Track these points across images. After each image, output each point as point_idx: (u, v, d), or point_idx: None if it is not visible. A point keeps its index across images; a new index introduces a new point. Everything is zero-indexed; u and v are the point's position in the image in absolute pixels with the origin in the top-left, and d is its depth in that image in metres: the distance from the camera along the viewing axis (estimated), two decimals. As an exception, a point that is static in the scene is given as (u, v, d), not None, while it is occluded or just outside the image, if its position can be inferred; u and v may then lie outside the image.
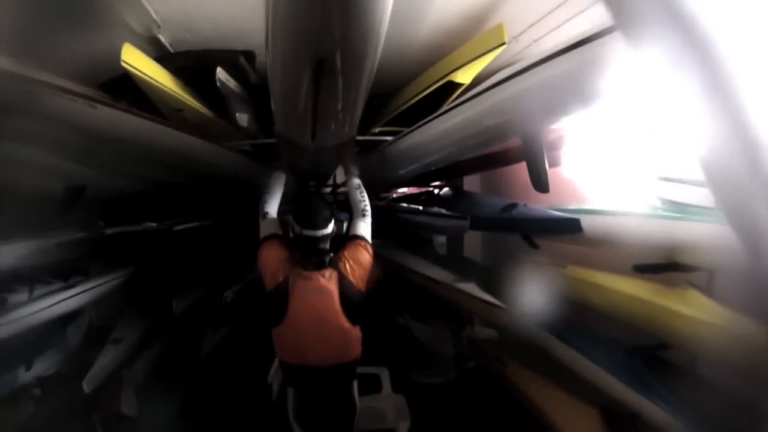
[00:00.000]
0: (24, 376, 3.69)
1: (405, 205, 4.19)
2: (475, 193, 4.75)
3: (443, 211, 3.57)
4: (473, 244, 5.85)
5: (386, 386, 3.72)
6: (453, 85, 3.37)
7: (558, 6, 2.83)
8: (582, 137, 3.26)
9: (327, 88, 1.80)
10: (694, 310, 2.34)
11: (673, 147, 2.73)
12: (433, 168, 4.02)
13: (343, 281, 2.30)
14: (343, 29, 1.42)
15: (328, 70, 1.64)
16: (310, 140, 2.45)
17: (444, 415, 3.80)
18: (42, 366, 3.86)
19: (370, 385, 3.63)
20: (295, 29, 1.47)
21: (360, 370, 2.71)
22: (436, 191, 5.01)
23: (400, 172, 3.92)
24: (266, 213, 2.65)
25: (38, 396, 3.76)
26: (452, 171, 4.69)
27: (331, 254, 2.37)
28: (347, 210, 3.61)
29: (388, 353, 4.01)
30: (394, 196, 5.40)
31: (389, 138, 3.62)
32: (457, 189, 4.94)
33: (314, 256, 2.32)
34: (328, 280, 2.27)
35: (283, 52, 1.67)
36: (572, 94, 2.05)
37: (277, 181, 2.90)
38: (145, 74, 2.77)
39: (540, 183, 2.48)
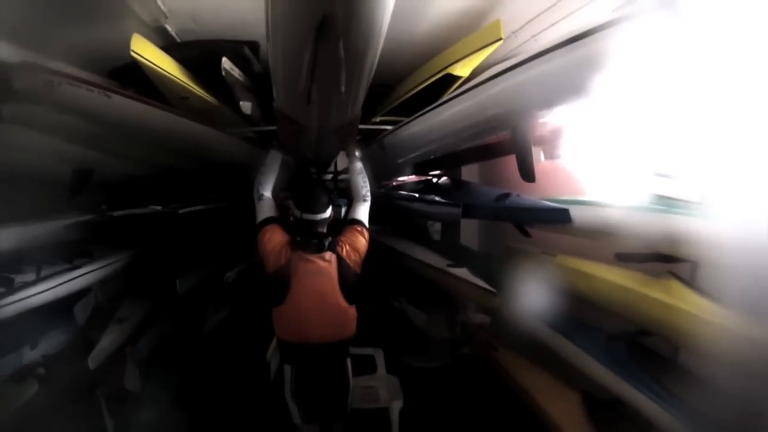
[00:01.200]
0: (29, 354, 3.79)
1: (403, 192, 4.26)
2: (471, 183, 4.80)
3: (438, 198, 3.67)
4: (470, 232, 5.97)
5: (381, 367, 3.86)
6: (451, 78, 3.44)
7: (556, 3, 2.89)
8: (581, 130, 3.33)
9: (330, 53, 1.72)
10: (671, 299, 2.45)
11: (669, 142, 2.83)
12: (432, 157, 4.10)
13: (341, 264, 2.45)
14: None
15: (332, 30, 1.55)
16: (313, 119, 2.49)
17: (436, 396, 3.94)
18: (48, 345, 3.95)
19: (366, 366, 3.76)
20: None
21: (356, 351, 2.85)
22: (434, 180, 5.09)
23: (399, 161, 3.99)
24: (262, 195, 2.75)
25: (42, 375, 3.84)
26: (450, 160, 4.80)
27: (330, 238, 2.50)
28: (346, 196, 3.71)
29: (383, 336, 4.13)
30: (394, 184, 5.47)
31: (389, 127, 3.69)
32: (454, 178, 5.03)
33: (313, 238, 2.46)
34: (328, 263, 2.42)
35: (284, 10, 1.60)
36: (565, 88, 2.14)
37: (273, 161, 2.95)
38: (152, 63, 2.84)
39: (527, 173, 2.60)
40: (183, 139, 3.05)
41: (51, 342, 4.00)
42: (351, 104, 2.41)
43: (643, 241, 2.69)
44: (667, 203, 2.66)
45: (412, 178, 5.51)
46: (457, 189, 4.45)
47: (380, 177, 5.05)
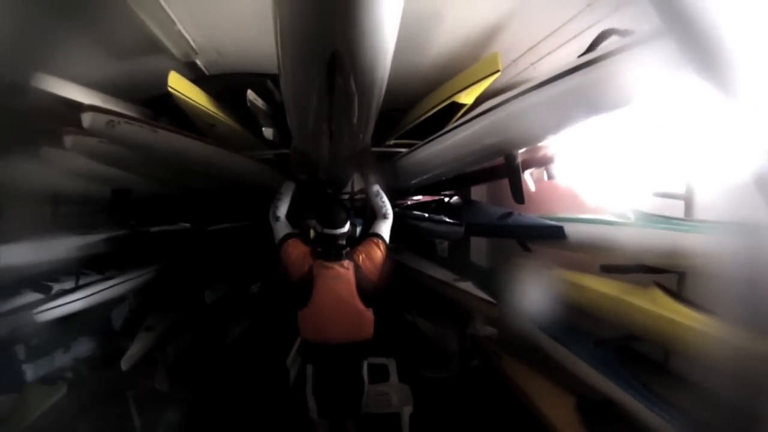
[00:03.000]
0: (61, 358, 4.11)
1: (414, 212, 4.50)
2: (479, 202, 5.10)
3: (445, 218, 3.93)
4: (479, 248, 6.20)
5: (393, 376, 4.03)
6: (457, 105, 3.71)
7: (551, 33, 3.15)
8: (580, 153, 3.56)
9: (342, 87, 1.85)
10: (652, 306, 2.66)
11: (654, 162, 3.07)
12: (443, 178, 4.36)
13: (358, 271, 2.73)
14: (355, 19, 1.45)
15: (342, 64, 1.67)
16: (324, 149, 2.81)
17: (445, 404, 4.13)
18: (79, 349, 4.30)
19: (379, 375, 3.94)
20: (307, 21, 1.50)
21: (370, 360, 3.07)
22: (445, 200, 5.37)
23: (413, 182, 4.27)
24: (278, 217, 3.11)
25: (70, 379, 4.18)
26: (461, 181, 5.06)
27: (348, 249, 2.80)
28: (362, 215, 3.97)
29: (396, 347, 4.31)
30: (408, 203, 5.72)
31: (402, 150, 3.98)
32: (464, 198, 5.30)
33: (333, 250, 2.75)
34: (346, 270, 2.71)
35: (293, 48, 1.71)
36: (558, 117, 2.40)
37: (287, 189, 3.33)
38: (186, 97, 3.22)
39: (517, 195, 2.87)
40: (214, 164, 3.37)
41: (82, 347, 4.33)
42: (362, 132, 2.68)
43: (630, 254, 2.92)
44: (650, 219, 2.89)
45: (426, 197, 5.77)
46: (465, 208, 4.72)
47: (395, 197, 5.30)
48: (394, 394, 3.81)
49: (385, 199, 3.22)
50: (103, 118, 2.59)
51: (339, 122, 2.33)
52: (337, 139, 2.64)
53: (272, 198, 3.23)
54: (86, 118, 2.58)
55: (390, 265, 3.00)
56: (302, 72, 1.88)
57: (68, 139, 2.94)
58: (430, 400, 3.98)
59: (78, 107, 2.98)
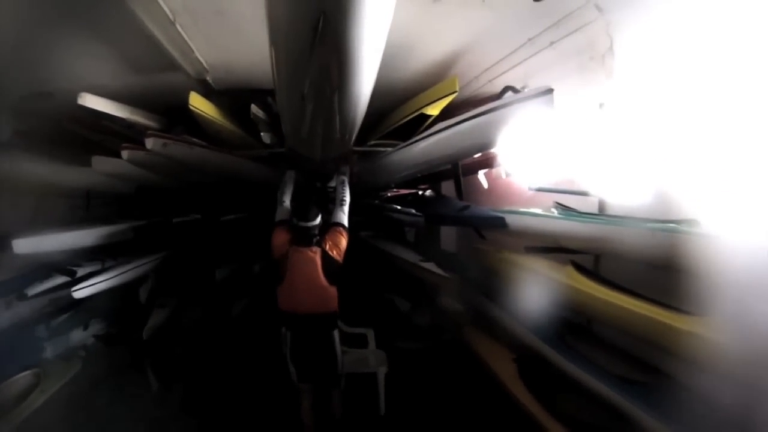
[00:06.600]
0: (80, 334, 4.80)
1: (388, 205, 5.13)
2: (446, 196, 5.71)
3: (412, 210, 4.56)
4: (450, 236, 6.78)
5: (371, 343, 4.65)
6: (425, 116, 4.36)
7: (501, 59, 3.86)
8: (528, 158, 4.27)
9: (326, 57, 1.89)
10: (566, 279, 3.35)
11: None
12: (419, 175, 5.01)
13: (324, 255, 3.24)
14: None
15: (328, 30, 1.63)
16: (317, 146, 3.45)
17: (415, 368, 4.81)
18: (99, 326, 5.00)
19: (359, 342, 4.58)
20: None
21: (352, 330, 3.64)
22: (419, 193, 6.07)
23: (392, 178, 4.96)
24: (283, 201, 3.68)
25: (83, 356, 4.78)
26: (433, 177, 5.77)
27: (317, 237, 3.30)
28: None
29: (374, 319, 4.91)
30: (389, 195, 6.32)
31: (380, 150, 4.65)
32: (436, 192, 6.01)
33: (305, 238, 3.26)
34: (314, 254, 3.22)
35: (282, 9, 1.72)
36: (484, 140, 3.28)
37: (290, 178, 3.97)
38: (203, 112, 3.92)
39: (459, 192, 3.65)
40: (228, 168, 4.12)
41: (101, 324, 5.05)
42: (348, 134, 3.32)
43: (553, 239, 3.64)
44: (570, 213, 3.58)
45: (403, 191, 6.44)
46: (435, 201, 5.44)
47: (378, 190, 5.98)
48: (371, 357, 4.43)
49: (347, 189, 3.79)
50: (160, 141, 3.36)
51: (328, 114, 2.75)
52: (326, 135, 3.22)
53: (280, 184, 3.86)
54: (149, 141, 3.34)
55: (368, 251, 3.52)
56: (291, 39, 1.89)
57: (125, 153, 3.62)
58: (404, 367, 4.58)
59: (110, 118, 3.78)
